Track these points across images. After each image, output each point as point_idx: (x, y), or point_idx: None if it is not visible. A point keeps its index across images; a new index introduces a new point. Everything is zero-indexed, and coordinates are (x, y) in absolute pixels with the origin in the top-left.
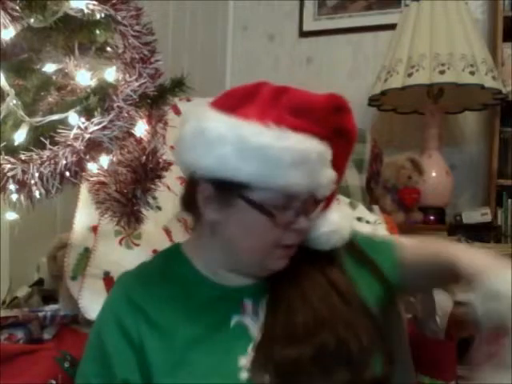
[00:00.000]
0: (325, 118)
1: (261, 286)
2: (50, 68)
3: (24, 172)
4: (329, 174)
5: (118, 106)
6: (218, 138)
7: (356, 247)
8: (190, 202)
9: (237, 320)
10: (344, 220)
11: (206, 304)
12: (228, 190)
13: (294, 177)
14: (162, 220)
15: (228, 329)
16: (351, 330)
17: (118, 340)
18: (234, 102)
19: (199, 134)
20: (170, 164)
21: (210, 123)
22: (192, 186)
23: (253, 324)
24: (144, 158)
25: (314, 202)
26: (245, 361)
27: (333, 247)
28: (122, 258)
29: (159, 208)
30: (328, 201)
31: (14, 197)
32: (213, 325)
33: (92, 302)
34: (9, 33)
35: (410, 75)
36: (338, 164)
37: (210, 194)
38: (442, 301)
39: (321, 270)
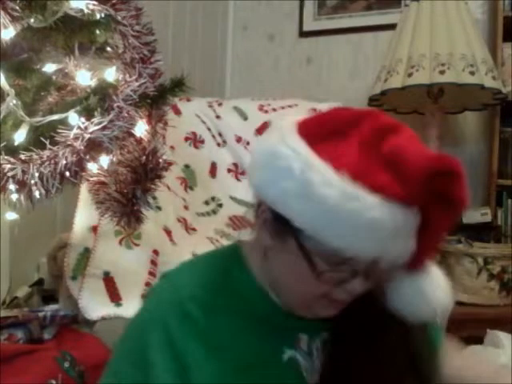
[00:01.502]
0: (422, 181)
1: (318, 321)
2: (49, 68)
3: (24, 172)
4: (403, 244)
5: (117, 106)
6: (287, 170)
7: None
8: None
9: (290, 355)
10: (439, 291)
11: (263, 328)
12: (285, 225)
13: (354, 242)
14: (162, 220)
15: (280, 362)
16: None
17: (164, 352)
18: (324, 132)
19: (271, 156)
20: (170, 164)
21: (284, 149)
22: (258, 199)
23: (305, 363)
24: (144, 158)
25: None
26: None
27: (419, 322)
28: (122, 258)
29: (159, 208)
30: (414, 265)
31: (14, 197)
32: (265, 354)
33: (92, 302)
34: (9, 33)
35: (410, 75)
36: (436, 230)
37: (267, 219)
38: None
39: (403, 337)
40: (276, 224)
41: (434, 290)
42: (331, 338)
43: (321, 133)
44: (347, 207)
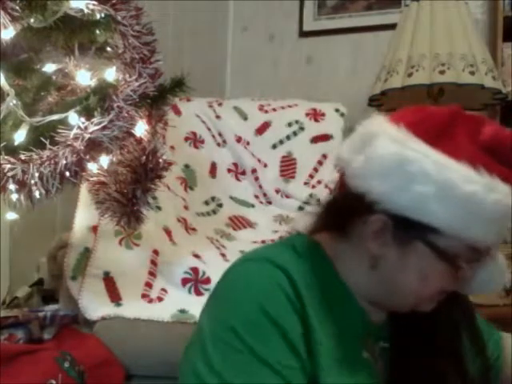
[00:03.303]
0: None
1: (380, 329)
2: (50, 68)
3: (24, 172)
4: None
5: (117, 106)
6: (422, 174)
7: (475, 321)
8: (341, 213)
9: (366, 356)
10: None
11: (348, 328)
12: (410, 229)
13: (490, 231)
14: (162, 220)
15: (363, 360)
16: None
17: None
18: (433, 132)
19: (397, 162)
20: (170, 164)
21: (411, 153)
22: (358, 207)
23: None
24: (144, 158)
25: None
26: None
27: (490, 291)
28: (121, 258)
29: (159, 208)
30: None
31: (14, 197)
32: (350, 351)
33: (92, 302)
34: (9, 33)
35: (410, 75)
36: None
37: (383, 227)
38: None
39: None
40: (397, 230)
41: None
42: (391, 345)
43: (430, 132)
44: (489, 200)
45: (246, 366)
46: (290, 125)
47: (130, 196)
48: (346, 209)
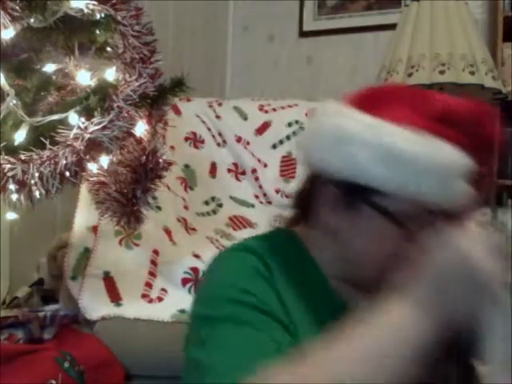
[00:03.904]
0: (473, 129)
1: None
2: (50, 68)
3: (24, 172)
4: (465, 188)
5: (117, 106)
6: (355, 138)
7: None
8: (305, 200)
9: None
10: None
11: (323, 313)
12: (355, 193)
13: (436, 193)
14: (162, 220)
15: None
16: None
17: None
18: (372, 104)
19: (333, 132)
20: (170, 164)
21: (347, 121)
22: (314, 185)
23: None
24: (144, 158)
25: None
26: None
27: None
28: (121, 258)
29: (159, 208)
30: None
31: (14, 197)
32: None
33: (92, 302)
34: (9, 33)
35: (410, 75)
36: (482, 180)
37: (334, 198)
38: None
39: None
40: (345, 197)
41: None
42: None
43: (370, 102)
44: (431, 160)
45: (235, 335)
46: (290, 125)
47: (129, 196)
48: (306, 195)
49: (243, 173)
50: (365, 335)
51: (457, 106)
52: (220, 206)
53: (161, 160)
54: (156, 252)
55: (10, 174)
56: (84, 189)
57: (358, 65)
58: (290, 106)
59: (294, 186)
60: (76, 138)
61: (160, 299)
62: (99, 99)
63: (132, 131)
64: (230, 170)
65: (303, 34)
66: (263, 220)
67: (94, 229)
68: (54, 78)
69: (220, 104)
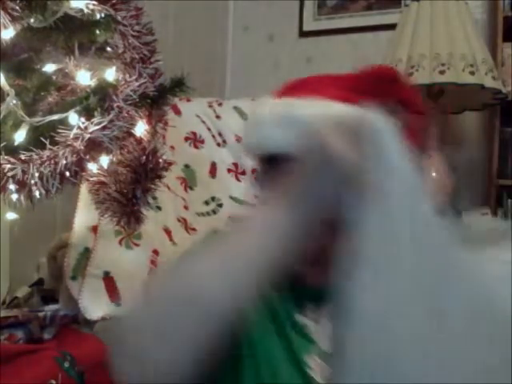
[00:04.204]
0: (380, 87)
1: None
2: (50, 68)
3: (24, 172)
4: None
5: (117, 106)
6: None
7: None
8: None
9: (303, 322)
10: None
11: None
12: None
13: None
14: (162, 220)
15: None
16: None
17: None
18: (287, 89)
19: (250, 117)
20: (169, 164)
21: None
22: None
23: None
24: (144, 158)
25: None
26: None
27: None
28: (121, 258)
29: (159, 208)
30: None
31: (14, 197)
32: (280, 320)
33: (92, 302)
34: (9, 33)
35: (409, 75)
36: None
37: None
38: None
39: None
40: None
41: None
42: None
43: (285, 90)
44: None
45: None
46: None
47: (129, 196)
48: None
49: (243, 173)
50: (236, 238)
51: (363, 74)
52: (220, 206)
53: (161, 160)
54: (156, 252)
55: (9, 173)
56: (84, 189)
57: (358, 65)
58: None
59: None
60: (76, 138)
61: None
62: (99, 99)
63: (132, 131)
64: (230, 170)
65: (303, 34)
66: None
67: (94, 229)
68: (54, 78)
69: (220, 104)
